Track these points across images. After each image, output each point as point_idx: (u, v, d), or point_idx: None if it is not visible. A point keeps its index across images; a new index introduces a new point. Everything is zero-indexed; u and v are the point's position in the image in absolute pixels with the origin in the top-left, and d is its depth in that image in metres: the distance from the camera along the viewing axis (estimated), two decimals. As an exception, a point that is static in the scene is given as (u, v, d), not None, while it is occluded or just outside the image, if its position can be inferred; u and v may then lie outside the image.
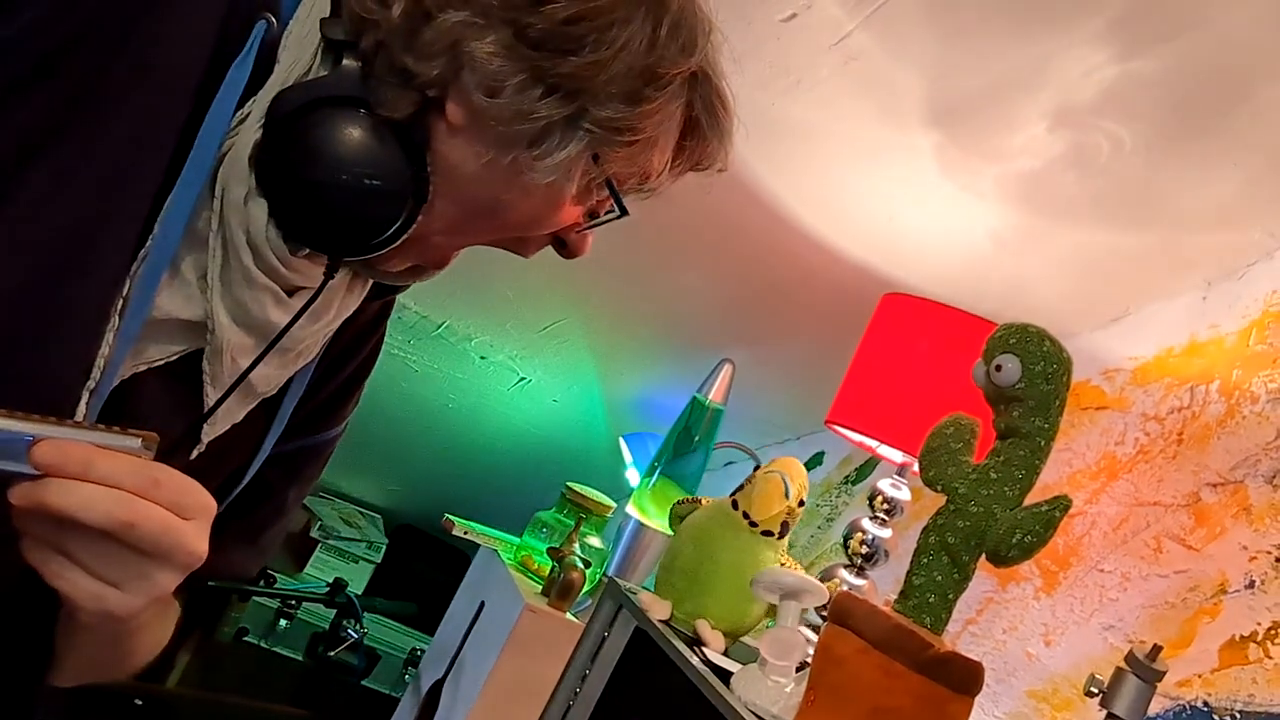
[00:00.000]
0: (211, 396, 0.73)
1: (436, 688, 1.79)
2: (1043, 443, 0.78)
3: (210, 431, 0.75)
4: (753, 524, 1.13)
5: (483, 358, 2.29)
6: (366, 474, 2.83)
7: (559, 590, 1.62)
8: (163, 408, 0.71)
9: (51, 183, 0.61)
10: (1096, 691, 0.83)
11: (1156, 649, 0.82)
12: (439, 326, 2.18)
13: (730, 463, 2.37)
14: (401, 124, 0.68)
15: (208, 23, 0.66)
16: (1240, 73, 1.17)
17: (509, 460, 2.63)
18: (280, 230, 0.68)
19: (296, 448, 0.86)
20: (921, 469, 0.82)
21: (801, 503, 1.15)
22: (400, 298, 0.89)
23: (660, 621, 1.15)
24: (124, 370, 0.68)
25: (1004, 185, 1.43)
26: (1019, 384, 0.78)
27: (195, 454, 0.75)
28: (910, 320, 1.40)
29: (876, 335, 1.45)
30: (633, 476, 2.15)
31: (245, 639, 2.39)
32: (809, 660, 0.87)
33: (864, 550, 1.34)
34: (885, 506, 1.35)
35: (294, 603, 2.38)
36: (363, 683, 2.46)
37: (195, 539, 0.58)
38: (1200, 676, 1.19)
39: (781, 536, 1.15)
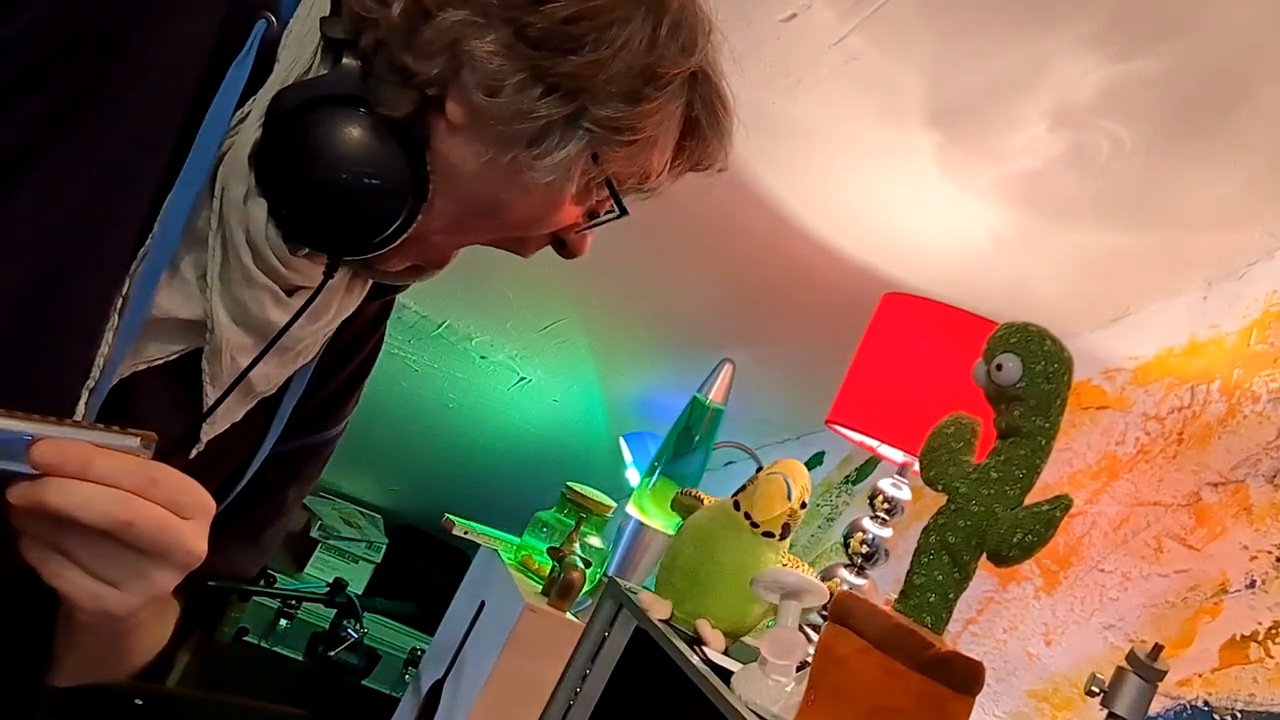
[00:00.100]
0: (211, 396, 0.72)
1: (436, 688, 1.78)
2: (1044, 442, 0.78)
3: (209, 431, 0.75)
4: (754, 525, 1.13)
5: (483, 357, 2.29)
6: (366, 474, 2.83)
7: (559, 590, 1.62)
8: (162, 407, 0.71)
9: (51, 182, 0.61)
10: (1097, 691, 0.83)
11: (1157, 648, 0.81)
12: (439, 326, 2.18)
13: (730, 463, 2.37)
14: (401, 123, 0.68)
15: (207, 22, 0.66)
16: (1240, 73, 1.17)
17: (509, 460, 2.63)
18: (280, 229, 0.68)
19: (296, 447, 0.86)
20: (922, 468, 0.82)
21: (804, 504, 1.15)
22: (400, 297, 0.89)
23: (660, 621, 1.14)
24: (123, 369, 0.68)
25: (1004, 185, 1.43)
26: (1020, 383, 0.78)
27: (194, 453, 0.74)
28: (910, 320, 1.40)
29: (877, 335, 1.45)
30: (633, 476, 2.15)
31: (245, 639, 2.38)
32: (809, 660, 0.87)
33: (864, 550, 1.34)
34: (886, 506, 1.35)
35: (294, 603, 2.38)
36: (363, 683, 2.46)
37: (194, 538, 0.58)
38: (1201, 676, 1.19)
39: (783, 538, 1.15)
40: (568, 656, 1.29)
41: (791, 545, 1.21)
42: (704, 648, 1.11)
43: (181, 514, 0.57)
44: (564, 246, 0.79)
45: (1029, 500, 0.77)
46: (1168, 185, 1.34)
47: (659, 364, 2.25)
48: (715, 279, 1.87)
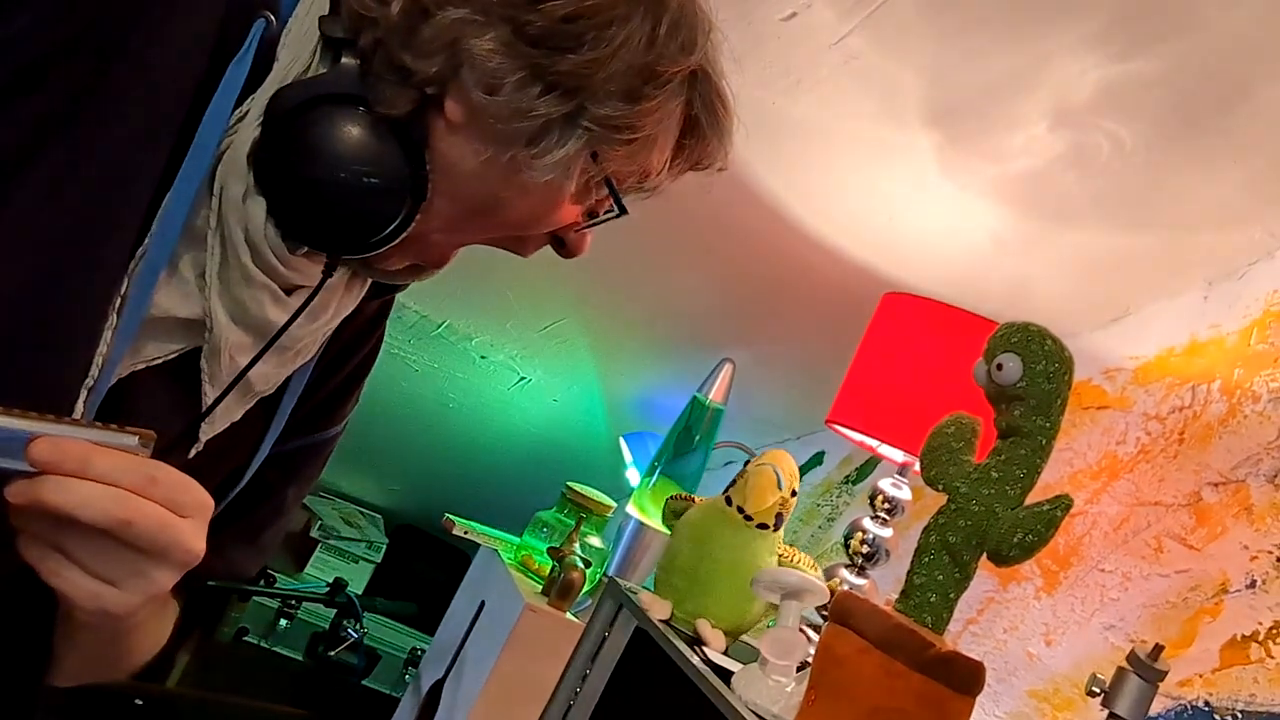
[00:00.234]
0: (210, 395, 0.72)
1: (436, 688, 1.78)
2: (1044, 442, 0.78)
3: (208, 430, 0.75)
4: (748, 518, 1.13)
5: (483, 357, 2.29)
6: (366, 474, 2.83)
7: (559, 590, 1.62)
8: (161, 406, 0.71)
9: (50, 182, 0.61)
10: (1098, 691, 0.83)
11: (1158, 648, 0.81)
12: (439, 326, 2.18)
13: (730, 462, 2.37)
14: (400, 121, 0.68)
15: (207, 22, 0.66)
16: (1240, 73, 1.17)
17: (509, 460, 2.63)
18: (279, 228, 0.68)
19: (296, 447, 0.85)
20: (923, 468, 0.82)
21: (794, 492, 1.15)
22: (400, 297, 0.89)
23: (660, 621, 1.14)
24: (122, 369, 0.68)
25: (1004, 185, 1.42)
26: (1020, 383, 0.78)
27: (193, 453, 0.74)
28: (911, 320, 1.40)
29: (877, 335, 1.45)
30: (633, 476, 2.15)
31: (245, 639, 2.38)
32: (810, 660, 0.87)
33: (865, 550, 1.34)
34: (886, 506, 1.35)
35: (294, 602, 2.38)
36: (363, 683, 2.46)
37: (192, 537, 0.58)
38: (1201, 676, 1.19)
39: (777, 529, 1.15)
40: (568, 656, 1.29)
41: (791, 544, 1.21)
42: (704, 648, 1.11)
43: (180, 513, 0.57)
44: (563, 246, 0.79)
45: (1029, 500, 0.77)
46: (1168, 185, 1.34)
47: (659, 364, 2.25)
48: (715, 279, 1.87)
